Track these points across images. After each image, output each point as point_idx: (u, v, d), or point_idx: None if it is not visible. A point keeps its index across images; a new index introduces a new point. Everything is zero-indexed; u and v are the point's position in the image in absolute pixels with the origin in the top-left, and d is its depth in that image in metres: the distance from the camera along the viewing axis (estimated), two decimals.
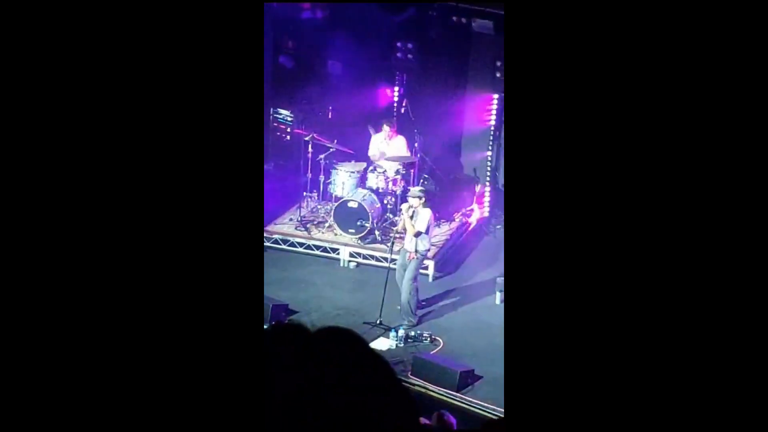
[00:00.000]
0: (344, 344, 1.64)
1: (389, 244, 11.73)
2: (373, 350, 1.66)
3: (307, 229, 13.32)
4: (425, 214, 11.11)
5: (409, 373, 10.01)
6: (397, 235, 11.68)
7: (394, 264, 11.49)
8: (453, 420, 7.33)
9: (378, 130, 13.68)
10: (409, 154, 13.49)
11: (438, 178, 14.18)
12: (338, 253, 13.01)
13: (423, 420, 7.32)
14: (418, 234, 11.05)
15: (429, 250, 11.59)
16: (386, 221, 13.09)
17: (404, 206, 11.26)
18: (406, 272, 11.12)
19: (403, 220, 11.24)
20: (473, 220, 14.32)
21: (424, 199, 11.19)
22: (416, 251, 11.10)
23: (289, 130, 15.06)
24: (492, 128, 14.62)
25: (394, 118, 13.90)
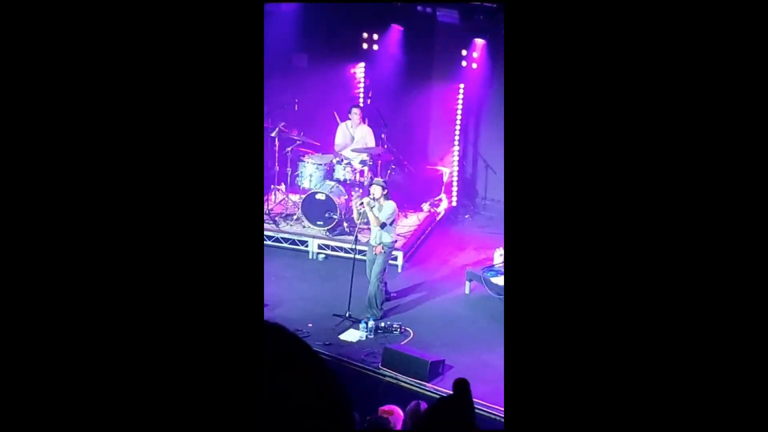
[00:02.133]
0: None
1: (354, 236, 11.70)
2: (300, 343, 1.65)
3: (275, 222, 13.29)
4: (389, 207, 11.09)
5: (380, 364, 10.02)
6: (362, 227, 11.65)
7: (362, 255, 11.48)
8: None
9: (345, 117, 13.66)
10: (375, 144, 13.49)
11: (405, 168, 14.19)
12: (307, 246, 13.00)
13: (395, 408, 7.32)
14: (383, 226, 11.04)
15: (396, 241, 11.60)
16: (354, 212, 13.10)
17: (365, 200, 11.21)
18: (374, 266, 11.11)
19: (357, 209, 11.21)
20: (441, 210, 14.35)
21: (386, 190, 11.17)
22: (382, 244, 11.09)
23: None
24: (458, 118, 14.65)
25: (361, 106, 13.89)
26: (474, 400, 9.34)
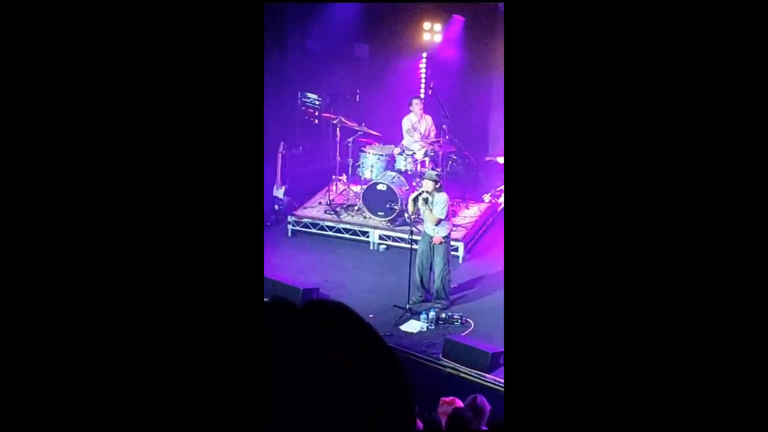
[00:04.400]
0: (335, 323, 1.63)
1: (409, 228, 11.67)
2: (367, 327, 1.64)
3: (336, 213, 13.33)
4: (441, 200, 11.00)
5: (440, 354, 10.03)
6: (416, 218, 11.63)
7: (416, 245, 11.46)
8: (488, 405, 7.32)
9: (406, 109, 13.60)
10: (436, 135, 13.45)
11: (466, 159, 14.14)
12: (368, 236, 13.03)
13: (457, 401, 7.32)
14: (438, 222, 10.99)
15: (451, 230, 11.56)
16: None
17: (419, 194, 11.13)
18: (436, 257, 11.08)
19: (413, 205, 11.15)
20: (503, 201, 14.27)
21: (439, 183, 11.07)
22: (442, 237, 11.07)
23: (317, 113, 15.06)
24: None
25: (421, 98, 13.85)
26: None
